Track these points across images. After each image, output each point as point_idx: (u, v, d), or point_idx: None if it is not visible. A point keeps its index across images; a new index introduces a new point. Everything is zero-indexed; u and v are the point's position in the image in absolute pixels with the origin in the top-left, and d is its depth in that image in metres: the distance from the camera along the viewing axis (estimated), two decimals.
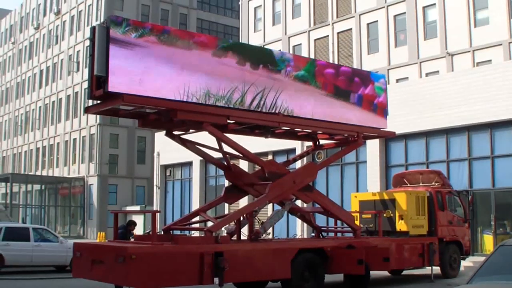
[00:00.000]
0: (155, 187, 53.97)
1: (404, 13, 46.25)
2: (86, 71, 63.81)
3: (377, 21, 48.28)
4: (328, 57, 50.38)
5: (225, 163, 20.34)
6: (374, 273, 21.32)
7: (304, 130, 21.72)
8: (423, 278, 23.92)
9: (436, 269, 23.70)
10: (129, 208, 65.63)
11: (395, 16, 47.05)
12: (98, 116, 68.66)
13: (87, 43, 60.08)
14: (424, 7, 45.16)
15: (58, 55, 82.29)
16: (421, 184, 25.58)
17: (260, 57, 19.25)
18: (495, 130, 31.01)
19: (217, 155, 20.53)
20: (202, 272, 16.26)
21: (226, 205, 34.99)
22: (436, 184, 25.46)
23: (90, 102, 18.12)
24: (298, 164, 31.69)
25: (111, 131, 73.17)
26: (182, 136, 19.86)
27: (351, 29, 50.32)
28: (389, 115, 23.07)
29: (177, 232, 21.41)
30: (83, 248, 18.17)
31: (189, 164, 49.04)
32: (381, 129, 22.86)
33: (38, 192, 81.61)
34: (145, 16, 74.67)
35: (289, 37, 55.52)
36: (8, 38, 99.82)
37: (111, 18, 16.15)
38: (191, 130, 19.85)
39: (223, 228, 19.81)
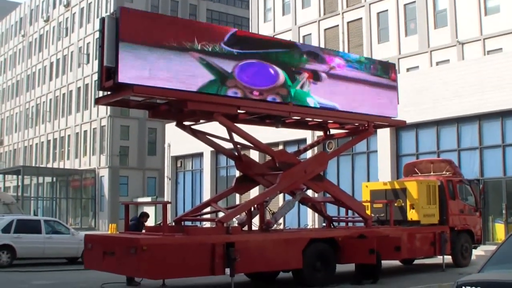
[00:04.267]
0: (166, 178, 54.07)
1: (414, 2, 46.02)
2: (96, 63, 63.86)
3: (387, 10, 48.08)
4: (338, 46, 50.21)
5: (236, 154, 20.36)
6: (385, 263, 21.32)
7: (315, 120, 21.72)
8: (435, 267, 23.91)
9: (448, 258, 23.66)
10: (140, 200, 65.74)
11: (405, 5, 46.83)
12: (108, 108, 68.76)
13: (97, 35, 60.04)
14: None
15: (68, 47, 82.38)
16: (432, 173, 25.51)
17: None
18: (506, 118, 30.91)
19: (228, 145, 20.55)
20: (213, 263, 16.29)
21: (237, 195, 35.01)
22: (447, 173, 25.40)
23: (101, 94, 18.14)
24: (309, 154, 31.67)
25: (122, 123, 73.26)
26: (192, 127, 19.87)
27: (361, 18, 50.14)
28: (399, 104, 23.02)
29: (188, 223, 21.41)
30: (95, 240, 18.25)
31: (200, 155, 49.10)
32: (392, 118, 22.83)
33: (49, 184, 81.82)
34: (155, 7, 74.64)
35: (299, 27, 55.37)
36: (18, 31, 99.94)
37: (121, 9, 16.14)
38: (201, 121, 19.88)
39: (234, 219, 19.83)
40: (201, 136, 19.96)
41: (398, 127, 32.43)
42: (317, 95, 19.86)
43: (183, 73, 16.75)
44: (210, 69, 17.38)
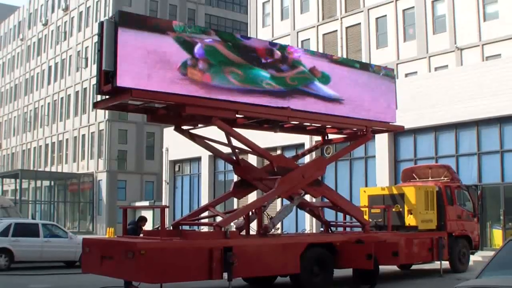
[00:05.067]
0: (164, 182, 54.03)
1: (413, 7, 46.10)
2: (94, 67, 63.82)
3: (386, 15, 48.16)
4: (337, 51, 50.29)
5: (234, 158, 20.34)
6: (383, 268, 21.31)
7: (313, 125, 21.70)
8: (432, 273, 23.90)
9: (445, 264, 23.66)
10: (138, 204, 65.65)
11: (404, 10, 46.90)
12: (106, 112, 68.83)
13: (96, 39, 60.11)
14: (433, 1, 44.98)
15: (67, 51, 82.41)
16: (430, 179, 25.52)
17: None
18: (505, 124, 30.90)
19: (226, 150, 20.55)
20: (211, 267, 16.28)
21: (235, 200, 34.99)
22: (445, 178, 25.41)
23: (99, 98, 18.13)
24: (307, 159, 31.66)
25: (120, 127, 73.22)
26: (191, 131, 19.86)
27: (359, 23, 50.20)
28: (398, 109, 23.03)
29: (186, 227, 21.42)
30: (93, 243, 18.21)
31: (198, 159, 49.09)
32: (390, 123, 22.84)
33: (47, 188, 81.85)
34: (153, 11, 74.66)
35: (297, 32, 55.43)
36: (17, 34, 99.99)
37: (120, 13, 16.15)
38: (200, 125, 19.87)
39: (232, 223, 19.80)
40: (199, 140, 19.94)
41: (396, 132, 32.45)
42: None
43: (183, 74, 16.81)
44: None
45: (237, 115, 18.66)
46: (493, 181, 31.36)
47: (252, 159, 34.63)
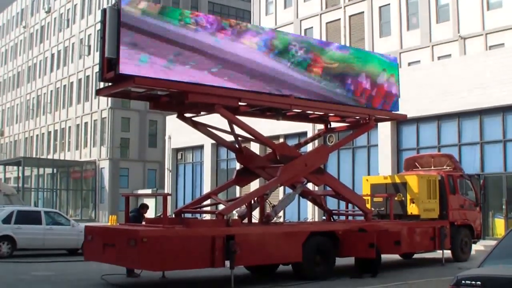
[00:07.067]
0: (166, 170, 54.09)
1: None
2: (97, 54, 63.79)
3: (389, 4, 47.95)
4: (340, 40, 50.12)
5: (237, 146, 20.34)
6: (385, 257, 21.31)
7: (316, 113, 21.68)
8: (434, 262, 23.92)
9: (447, 253, 23.66)
10: (140, 192, 65.78)
11: None
12: (109, 100, 68.84)
13: (99, 26, 60.02)
14: None
15: (70, 38, 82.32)
16: (432, 168, 25.50)
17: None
18: (508, 114, 30.85)
19: (228, 138, 20.54)
20: (213, 255, 16.28)
21: (238, 188, 35.00)
22: (448, 167, 25.38)
23: (102, 85, 18.12)
24: (310, 147, 31.64)
25: (123, 115, 73.23)
26: (193, 119, 19.86)
27: (363, 12, 50.03)
28: (401, 98, 22.98)
29: (189, 215, 21.42)
30: (95, 231, 18.24)
31: (201, 147, 49.11)
32: (393, 112, 22.80)
33: (50, 175, 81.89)
34: None
35: (300, 21, 55.28)
36: (19, 22, 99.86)
37: (122, 0, 16.11)
38: (202, 113, 19.85)
39: (234, 211, 19.81)
40: (202, 128, 19.94)
41: (399, 121, 32.43)
42: None
43: (186, 61, 16.78)
44: None
45: (240, 103, 18.64)
46: (496, 171, 31.36)
47: (255, 147, 34.63)
